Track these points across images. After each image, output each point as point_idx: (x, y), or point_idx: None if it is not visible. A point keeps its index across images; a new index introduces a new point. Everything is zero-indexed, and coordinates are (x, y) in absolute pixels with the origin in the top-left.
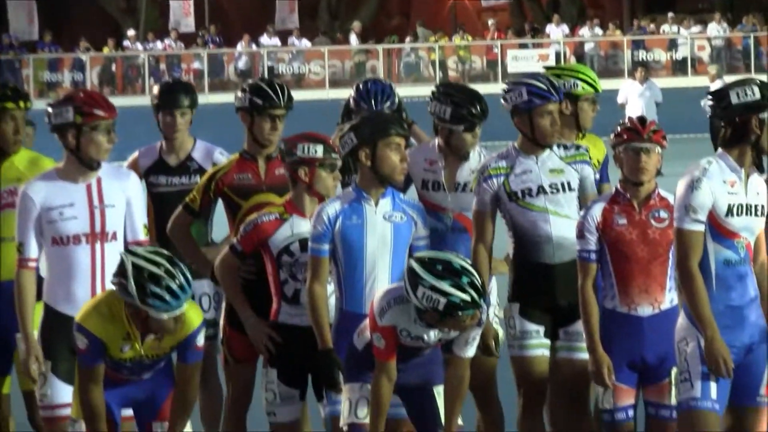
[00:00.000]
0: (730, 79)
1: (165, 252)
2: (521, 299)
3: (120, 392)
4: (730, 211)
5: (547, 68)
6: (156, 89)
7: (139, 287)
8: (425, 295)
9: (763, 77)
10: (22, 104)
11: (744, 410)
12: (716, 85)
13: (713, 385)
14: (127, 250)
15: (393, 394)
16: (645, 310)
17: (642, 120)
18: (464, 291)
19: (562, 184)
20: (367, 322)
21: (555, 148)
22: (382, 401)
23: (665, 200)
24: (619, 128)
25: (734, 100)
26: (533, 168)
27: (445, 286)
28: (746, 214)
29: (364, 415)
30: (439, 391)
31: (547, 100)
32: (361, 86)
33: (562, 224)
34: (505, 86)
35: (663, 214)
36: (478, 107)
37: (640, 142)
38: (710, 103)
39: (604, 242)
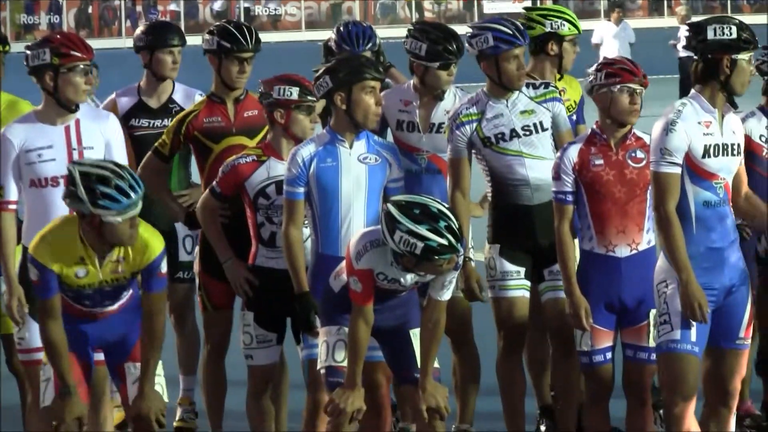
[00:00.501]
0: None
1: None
2: (501, 241)
3: (90, 333)
4: (706, 152)
5: (528, 9)
6: (143, 29)
7: (89, 191)
8: (402, 239)
9: (738, 17)
10: (1, 48)
11: (723, 352)
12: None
13: (693, 328)
14: (72, 162)
15: (371, 337)
16: (622, 251)
17: (633, 62)
18: (441, 235)
19: (535, 125)
20: (343, 264)
21: (524, 88)
22: (360, 345)
23: (641, 140)
24: (609, 68)
25: (711, 35)
26: (504, 112)
27: (422, 230)
28: (723, 154)
29: (341, 358)
30: (415, 334)
31: (512, 44)
32: (341, 28)
33: (538, 166)
34: (469, 31)
35: (640, 154)
36: (454, 45)
37: (636, 83)
38: (686, 34)
39: (580, 183)
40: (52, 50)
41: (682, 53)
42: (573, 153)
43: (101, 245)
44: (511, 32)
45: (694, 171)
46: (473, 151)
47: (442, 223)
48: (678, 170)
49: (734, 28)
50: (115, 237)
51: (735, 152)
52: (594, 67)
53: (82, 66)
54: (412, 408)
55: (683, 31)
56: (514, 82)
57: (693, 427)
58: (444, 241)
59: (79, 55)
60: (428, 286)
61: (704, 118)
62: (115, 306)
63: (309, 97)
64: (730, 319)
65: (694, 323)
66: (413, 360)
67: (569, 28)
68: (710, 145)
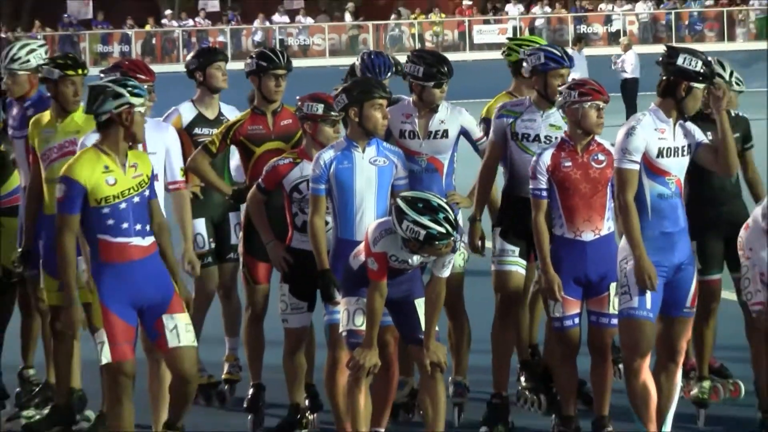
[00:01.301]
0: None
1: None
2: (503, 224)
3: (133, 289)
4: (660, 154)
5: (510, 39)
6: (192, 54)
7: (123, 85)
8: (408, 228)
9: (682, 45)
10: (80, 71)
11: (672, 320)
12: (629, 54)
13: (648, 297)
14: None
15: (383, 306)
16: (588, 236)
17: (598, 83)
18: (440, 225)
19: (556, 138)
20: (361, 247)
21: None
22: (376, 313)
23: (601, 145)
24: (581, 88)
25: (680, 62)
26: (537, 119)
27: (425, 220)
28: (674, 155)
29: (360, 323)
30: (419, 303)
31: (560, 65)
32: (365, 58)
33: None
34: (527, 51)
35: (601, 157)
36: (445, 67)
37: (602, 100)
38: (664, 52)
39: (553, 182)
40: (122, 74)
41: (623, 75)
42: (546, 157)
43: (121, 150)
44: (560, 54)
45: (650, 169)
46: (504, 141)
47: (441, 215)
48: (636, 167)
49: (700, 63)
50: (139, 128)
51: (684, 153)
52: (566, 87)
53: (145, 86)
54: (418, 363)
55: (625, 57)
56: (554, 96)
57: (648, 379)
58: (442, 230)
59: (142, 77)
60: (431, 266)
61: (660, 126)
62: (146, 241)
63: (332, 113)
64: (679, 292)
65: (649, 293)
66: (418, 324)
67: None
68: (663, 148)
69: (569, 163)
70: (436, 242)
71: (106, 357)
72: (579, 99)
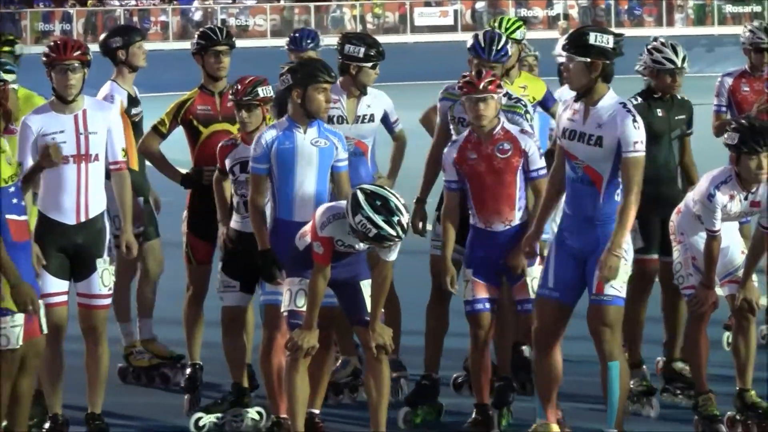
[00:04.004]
0: None
1: None
2: (440, 209)
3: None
4: (564, 134)
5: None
6: (107, 33)
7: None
8: (361, 222)
9: (622, 30)
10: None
11: (589, 305)
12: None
13: (551, 275)
14: None
15: (327, 287)
16: (498, 227)
17: (479, 73)
18: (392, 227)
19: None
20: (307, 228)
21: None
22: (317, 295)
23: (509, 133)
24: (462, 81)
25: (591, 40)
26: None
27: (378, 220)
28: (578, 140)
29: (302, 304)
30: (365, 285)
31: (476, 54)
32: (292, 34)
33: None
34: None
35: (506, 146)
36: (381, 50)
37: (477, 93)
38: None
39: (463, 175)
40: (45, 54)
41: (560, 59)
42: (454, 150)
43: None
44: (482, 45)
45: (563, 149)
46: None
47: (395, 218)
48: (559, 142)
49: (612, 39)
50: (13, 104)
51: (593, 142)
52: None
53: (62, 66)
54: (363, 345)
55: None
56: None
57: (554, 360)
58: (393, 233)
59: (54, 56)
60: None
61: (574, 107)
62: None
63: (254, 102)
64: (587, 279)
65: (552, 271)
66: (363, 306)
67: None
68: (568, 129)
69: (474, 156)
70: (385, 242)
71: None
72: (462, 93)
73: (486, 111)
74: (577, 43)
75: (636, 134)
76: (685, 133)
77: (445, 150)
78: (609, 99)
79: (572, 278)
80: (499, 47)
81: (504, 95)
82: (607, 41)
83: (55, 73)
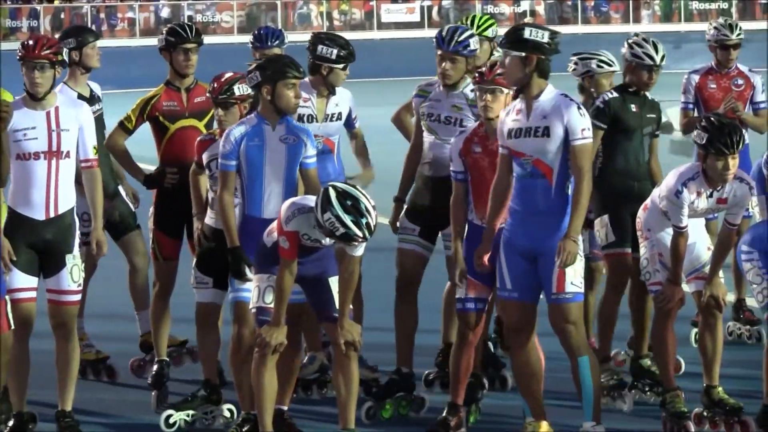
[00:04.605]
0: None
1: None
2: (409, 203)
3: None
4: (510, 134)
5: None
6: (65, 30)
7: None
8: (329, 220)
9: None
10: None
11: (549, 305)
12: None
13: (506, 278)
14: None
15: (295, 284)
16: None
17: (493, 65)
18: (360, 229)
19: (455, 120)
20: (274, 225)
21: (467, 90)
22: (285, 291)
23: None
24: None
25: (526, 35)
26: (442, 99)
27: (347, 220)
28: (525, 136)
29: (270, 300)
30: (333, 281)
31: (438, 46)
32: (256, 32)
33: (442, 147)
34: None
35: None
36: (352, 50)
37: (485, 84)
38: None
39: (466, 166)
40: (19, 51)
41: None
42: (460, 140)
43: None
44: (440, 36)
45: (508, 149)
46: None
47: (364, 220)
48: (505, 151)
49: (547, 35)
50: None
51: (539, 134)
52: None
53: (33, 63)
54: (332, 341)
55: None
56: (442, 78)
57: (530, 356)
58: (360, 234)
59: (24, 53)
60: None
61: (517, 107)
62: None
63: (230, 100)
64: (542, 279)
65: (506, 273)
66: (332, 302)
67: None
68: (513, 129)
69: (479, 149)
70: (351, 242)
71: None
72: (474, 81)
73: (493, 103)
74: (512, 38)
75: (582, 121)
76: (654, 133)
77: (453, 140)
78: (549, 92)
79: (526, 277)
80: (459, 39)
81: (471, 90)
82: (542, 36)
83: (25, 69)
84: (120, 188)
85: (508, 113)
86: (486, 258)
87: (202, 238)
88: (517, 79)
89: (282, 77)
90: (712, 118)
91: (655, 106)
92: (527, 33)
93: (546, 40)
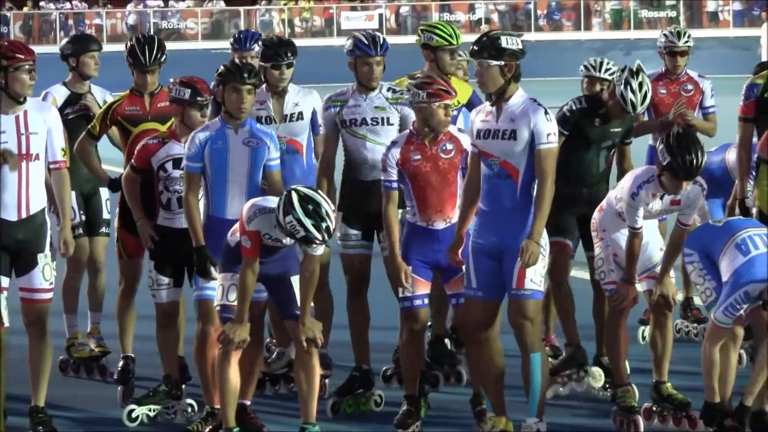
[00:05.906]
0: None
1: None
2: (345, 209)
3: None
4: (479, 135)
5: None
6: (67, 39)
7: None
8: (290, 223)
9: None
10: None
11: (510, 300)
12: None
13: (473, 276)
14: None
15: (258, 282)
16: (439, 225)
17: (447, 81)
18: (320, 232)
19: (382, 119)
20: (237, 225)
21: (384, 90)
22: (247, 289)
23: (448, 133)
24: (430, 89)
25: (504, 44)
26: (362, 103)
27: (308, 223)
28: (493, 137)
29: (233, 298)
30: (295, 280)
31: (365, 53)
32: (235, 35)
33: (378, 150)
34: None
35: (449, 146)
36: (284, 51)
37: (450, 100)
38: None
39: (405, 174)
40: (1, 54)
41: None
42: (396, 151)
43: None
44: (367, 43)
45: (478, 149)
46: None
47: (324, 224)
48: (476, 150)
49: (520, 42)
50: None
51: (507, 136)
52: (414, 84)
53: (26, 66)
54: (294, 338)
55: None
56: (366, 82)
57: (494, 354)
58: (319, 237)
59: (22, 56)
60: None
61: (486, 109)
62: None
63: (199, 98)
64: (505, 275)
65: (473, 272)
66: (294, 301)
67: (437, 40)
68: (482, 130)
69: (418, 157)
70: (311, 244)
71: None
72: (427, 99)
73: (450, 117)
74: (490, 48)
75: (548, 126)
76: (624, 142)
77: (385, 151)
78: (518, 96)
79: (491, 276)
80: (382, 42)
81: (388, 90)
82: (516, 43)
83: (19, 72)
84: (101, 190)
85: (478, 113)
86: (459, 252)
87: (151, 239)
88: (499, 87)
89: (228, 81)
90: (681, 139)
91: (626, 119)
92: (504, 42)
93: (521, 46)
